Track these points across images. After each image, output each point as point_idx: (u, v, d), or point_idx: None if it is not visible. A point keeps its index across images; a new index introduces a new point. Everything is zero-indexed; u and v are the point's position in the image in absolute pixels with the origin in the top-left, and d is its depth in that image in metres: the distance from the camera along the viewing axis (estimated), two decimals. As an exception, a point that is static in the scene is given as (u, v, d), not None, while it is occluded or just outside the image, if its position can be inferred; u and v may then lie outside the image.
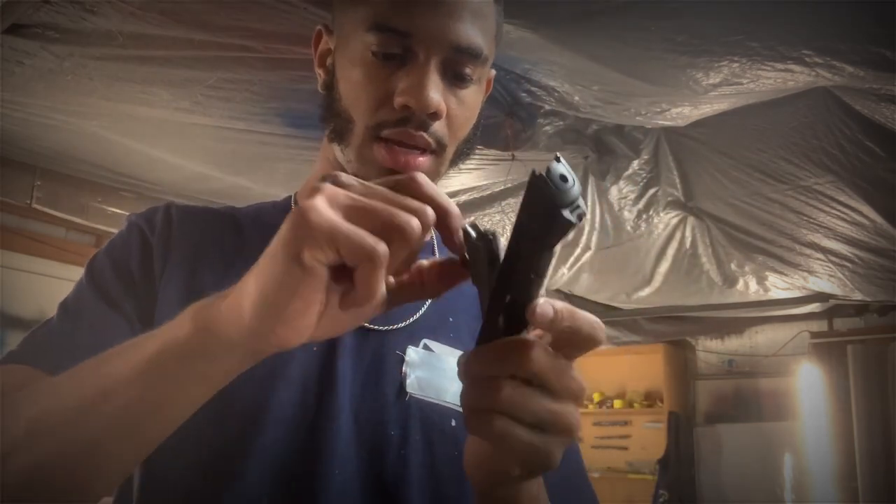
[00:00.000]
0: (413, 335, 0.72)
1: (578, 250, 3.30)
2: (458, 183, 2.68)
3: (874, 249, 2.84)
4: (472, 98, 0.72)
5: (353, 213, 0.41)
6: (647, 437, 4.95)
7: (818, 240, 2.86)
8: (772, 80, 1.80)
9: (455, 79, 0.69)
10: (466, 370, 0.47)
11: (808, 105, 2.02)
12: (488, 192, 2.81)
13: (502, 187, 2.76)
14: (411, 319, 0.72)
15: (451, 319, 0.75)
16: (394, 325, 0.72)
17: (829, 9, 1.53)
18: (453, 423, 0.68)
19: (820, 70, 1.72)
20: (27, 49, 1.77)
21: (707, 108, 2.07)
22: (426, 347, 0.71)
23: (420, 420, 0.67)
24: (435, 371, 0.70)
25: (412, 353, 0.70)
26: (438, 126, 0.68)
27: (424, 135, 0.67)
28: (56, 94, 2.04)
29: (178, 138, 2.32)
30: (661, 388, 4.88)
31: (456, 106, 0.70)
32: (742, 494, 4.51)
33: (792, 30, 1.61)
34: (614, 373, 5.26)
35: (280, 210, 0.80)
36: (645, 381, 5.08)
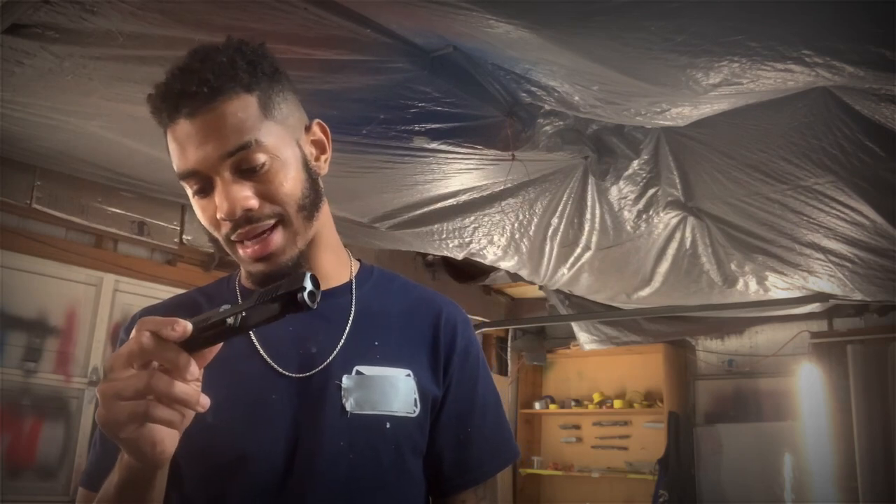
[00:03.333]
0: (345, 366, 0.89)
1: (578, 250, 3.29)
2: (458, 183, 2.68)
3: (874, 249, 2.84)
4: (276, 173, 0.85)
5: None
6: (647, 437, 4.95)
7: (818, 240, 2.86)
8: (772, 80, 1.80)
9: (249, 172, 0.84)
10: None
11: (808, 105, 2.02)
12: (488, 192, 2.80)
13: (502, 187, 2.75)
14: (328, 361, 0.89)
15: (376, 343, 0.92)
16: (316, 368, 0.89)
17: (829, 9, 1.53)
18: (388, 426, 0.87)
19: (820, 70, 1.72)
20: (27, 49, 1.77)
21: (707, 108, 2.07)
22: (358, 373, 0.89)
23: (362, 430, 0.87)
24: (369, 390, 0.88)
25: (346, 381, 0.88)
26: (262, 210, 0.84)
27: (257, 225, 0.84)
28: (56, 94, 2.04)
29: (178, 138, 2.32)
30: (661, 388, 4.88)
31: (265, 187, 0.84)
32: (742, 494, 4.51)
33: (792, 30, 1.60)
34: (614, 373, 5.27)
35: (224, 285, 1.01)
36: (645, 381, 5.09)
